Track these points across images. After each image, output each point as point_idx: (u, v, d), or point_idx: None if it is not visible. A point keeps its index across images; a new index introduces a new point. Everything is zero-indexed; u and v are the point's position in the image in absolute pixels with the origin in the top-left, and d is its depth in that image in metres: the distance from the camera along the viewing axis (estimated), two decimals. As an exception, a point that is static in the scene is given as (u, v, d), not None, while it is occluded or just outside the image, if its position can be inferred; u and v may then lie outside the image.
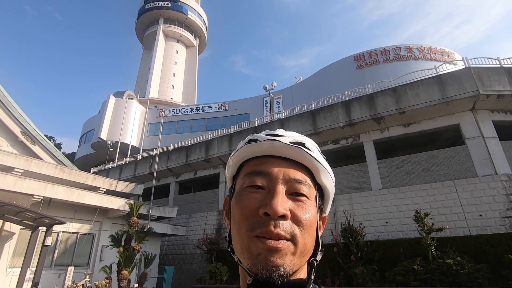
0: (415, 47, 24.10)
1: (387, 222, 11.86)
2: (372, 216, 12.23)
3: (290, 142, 0.54)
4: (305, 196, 0.52)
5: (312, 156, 0.54)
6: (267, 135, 0.56)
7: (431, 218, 10.03)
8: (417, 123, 13.01)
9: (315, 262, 0.53)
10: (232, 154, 0.59)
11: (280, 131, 0.57)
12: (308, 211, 0.51)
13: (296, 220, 0.49)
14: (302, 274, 0.51)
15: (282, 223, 0.47)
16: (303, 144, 0.55)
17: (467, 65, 12.38)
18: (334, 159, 15.44)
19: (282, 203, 0.48)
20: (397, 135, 13.44)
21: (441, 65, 14.72)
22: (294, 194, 0.51)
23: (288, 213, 0.48)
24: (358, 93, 15.14)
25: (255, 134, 0.57)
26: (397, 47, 24.27)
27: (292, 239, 0.47)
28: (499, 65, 12.34)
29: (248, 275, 0.47)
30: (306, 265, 0.52)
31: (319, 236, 0.54)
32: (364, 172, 13.63)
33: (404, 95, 12.84)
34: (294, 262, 0.47)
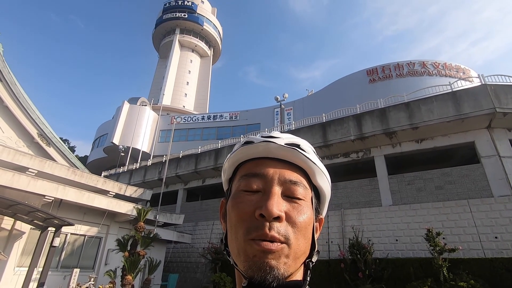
0: (429, 62, 23.88)
1: (397, 240, 11.52)
2: (382, 233, 11.91)
3: (285, 144, 0.54)
4: (301, 197, 0.52)
5: (307, 157, 0.54)
6: (262, 137, 0.56)
7: (444, 238, 9.69)
8: (430, 139, 12.75)
9: (311, 263, 0.52)
10: (228, 156, 0.59)
11: (275, 133, 0.57)
12: (304, 213, 0.50)
13: (291, 221, 0.49)
14: (298, 276, 0.50)
15: (276, 225, 0.47)
16: (298, 146, 0.55)
17: (483, 82, 12.15)
18: (344, 172, 15.23)
19: (277, 205, 0.48)
20: (409, 151, 13.20)
21: (456, 81, 14.52)
22: (290, 196, 0.51)
23: (283, 214, 0.48)
24: (370, 107, 15.02)
25: (250, 136, 0.58)
26: (411, 62, 24.11)
27: (287, 242, 0.47)
28: (516, 83, 12.06)
29: (243, 278, 0.47)
30: (302, 266, 0.51)
31: (315, 238, 0.54)
32: (374, 187, 13.37)
33: (417, 111, 12.66)
34: (289, 264, 0.47)
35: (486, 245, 9.99)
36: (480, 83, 12.31)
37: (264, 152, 0.55)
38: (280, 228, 0.47)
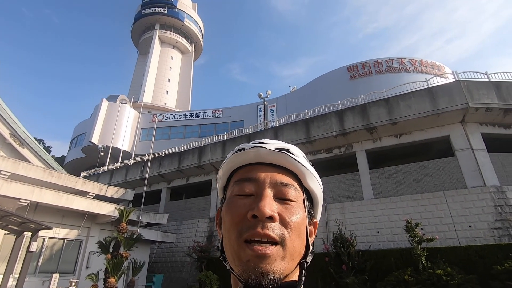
0: (407, 59, 24.65)
1: (378, 232, 11.89)
2: (364, 226, 12.25)
3: (275, 149, 0.56)
4: (292, 199, 0.53)
5: (297, 161, 0.56)
6: (253, 143, 0.58)
7: (422, 228, 10.09)
8: (409, 133, 13.20)
9: (305, 264, 0.53)
10: (221, 164, 0.60)
11: (266, 140, 0.59)
12: (296, 214, 0.52)
13: (284, 222, 0.50)
14: (293, 276, 0.51)
15: (270, 224, 0.48)
16: (287, 150, 0.57)
17: (457, 79, 12.69)
18: (327, 167, 15.50)
19: (270, 205, 0.49)
20: (389, 145, 13.61)
21: (432, 77, 15.09)
22: (282, 198, 0.52)
23: (276, 215, 0.49)
24: (351, 103, 15.34)
25: (243, 144, 0.60)
26: (389, 59, 24.78)
27: (281, 242, 0.48)
28: (487, 80, 12.69)
29: (239, 282, 0.47)
30: (297, 267, 0.52)
31: (309, 239, 0.55)
32: (356, 181, 13.71)
33: (396, 106, 13.05)
34: (284, 266, 0.47)
35: (461, 234, 10.51)
36: (454, 80, 12.85)
37: (255, 157, 0.56)
38: (274, 228, 0.48)
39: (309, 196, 0.59)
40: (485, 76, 12.93)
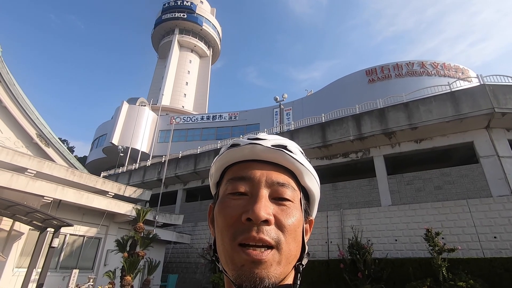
0: (428, 63, 23.93)
1: (396, 240, 11.53)
2: (381, 233, 11.91)
3: (271, 145, 0.53)
4: (289, 199, 0.51)
5: (295, 159, 0.53)
6: (248, 139, 0.55)
7: (443, 238, 9.70)
8: (429, 139, 12.77)
9: (301, 266, 0.51)
10: (214, 159, 0.58)
11: (261, 135, 0.56)
12: (292, 215, 0.49)
13: (280, 225, 0.48)
14: (289, 280, 0.50)
15: (265, 228, 0.46)
16: (285, 147, 0.54)
17: (482, 82, 12.17)
18: (343, 172, 15.24)
19: (265, 208, 0.47)
20: (408, 151, 13.21)
21: (454, 81, 14.54)
22: (278, 199, 0.50)
23: (272, 218, 0.47)
24: (369, 107, 15.03)
25: (237, 139, 0.57)
26: (410, 62, 24.14)
27: (277, 246, 0.46)
28: (515, 83, 12.09)
29: (233, 284, 0.46)
30: (293, 270, 0.51)
31: (305, 240, 0.53)
32: (373, 187, 13.38)
33: (416, 111, 12.68)
34: (280, 271, 0.46)
35: (485, 245, 10.01)
36: (478, 83, 12.34)
37: (250, 154, 0.54)
38: (269, 231, 0.46)
39: (305, 193, 0.56)
40: (513, 80, 12.33)
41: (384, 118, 13.33)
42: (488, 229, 10.18)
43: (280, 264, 0.46)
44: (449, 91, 12.81)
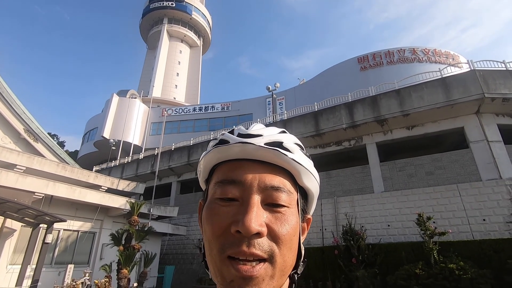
0: (419, 49, 23.95)
1: (389, 225, 11.75)
2: (374, 219, 12.13)
3: (264, 144, 0.47)
4: (284, 205, 0.46)
5: (291, 158, 0.47)
6: (239, 134, 0.49)
7: (434, 222, 9.92)
8: (421, 125, 12.90)
9: (296, 276, 0.47)
10: (202, 156, 0.52)
11: (254, 129, 0.51)
12: (288, 223, 0.45)
13: (274, 235, 0.43)
14: None
15: (257, 241, 0.42)
16: (280, 144, 0.48)
17: (472, 68, 12.26)
18: (336, 160, 15.35)
19: (257, 218, 0.42)
20: (400, 138, 13.34)
21: (445, 67, 14.61)
22: (271, 205, 0.45)
23: (264, 229, 0.42)
24: (361, 95, 15.05)
25: (226, 133, 0.51)
26: (401, 49, 24.13)
27: (270, 259, 0.42)
28: (504, 68, 12.21)
29: None
30: (287, 280, 0.47)
31: (301, 240, 0.49)
32: (366, 175, 13.54)
33: (408, 98, 12.74)
34: (273, 285, 0.42)
35: (475, 227, 10.28)
36: (469, 69, 12.42)
37: (240, 154, 0.48)
38: (262, 244, 0.42)
39: (303, 193, 0.52)
40: (503, 65, 12.43)
41: (376, 106, 13.38)
42: (477, 212, 10.44)
43: (273, 278, 0.42)
44: (440, 77, 12.87)
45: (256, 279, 0.40)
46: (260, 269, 0.41)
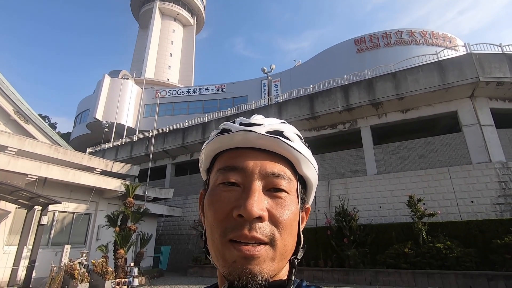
0: (417, 31, 23.64)
1: (380, 207, 12.04)
2: (366, 201, 12.40)
3: (266, 132, 0.48)
4: (285, 191, 0.47)
5: (291, 146, 0.49)
6: (241, 123, 0.51)
7: (424, 204, 10.19)
8: (415, 109, 12.95)
9: (296, 261, 0.48)
10: (204, 145, 0.53)
11: (256, 119, 0.52)
12: (288, 209, 0.46)
13: (274, 220, 0.44)
14: (283, 275, 0.47)
15: (258, 225, 0.43)
16: (281, 133, 0.49)
17: (469, 51, 12.19)
18: (331, 143, 15.45)
19: (258, 203, 0.43)
20: (394, 121, 13.42)
21: (442, 50, 14.51)
22: (273, 190, 0.47)
23: (265, 213, 0.44)
24: (357, 78, 14.96)
25: (228, 122, 0.52)
26: (398, 31, 23.79)
27: (271, 242, 0.43)
28: (500, 52, 12.17)
29: (224, 279, 0.44)
30: (287, 264, 0.48)
31: (301, 229, 0.50)
32: (360, 157, 13.70)
33: (403, 81, 12.70)
34: (274, 267, 0.43)
35: (463, 209, 10.60)
36: (465, 52, 12.35)
37: (242, 142, 0.49)
38: (263, 228, 0.43)
39: (302, 182, 0.53)
40: (499, 48, 12.38)
41: (372, 89, 13.33)
42: (466, 194, 10.73)
43: (274, 260, 0.43)
44: (436, 60, 12.80)
45: (258, 259, 0.42)
46: (262, 250, 0.42)
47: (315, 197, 13.53)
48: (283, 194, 0.47)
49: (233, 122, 0.52)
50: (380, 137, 14.72)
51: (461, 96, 12.03)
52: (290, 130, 0.51)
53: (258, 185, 0.46)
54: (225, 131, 0.50)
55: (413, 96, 12.40)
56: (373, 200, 12.29)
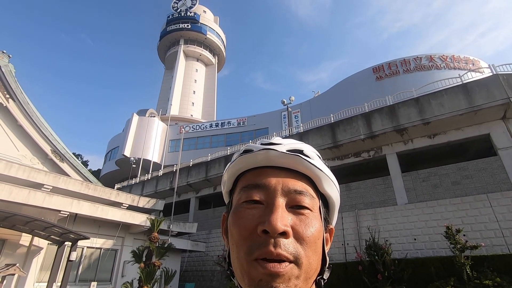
0: (436, 56, 23.47)
1: (415, 239, 11.21)
2: (399, 232, 11.61)
3: (286, 150, 0.50)
4: (308, 208, 0.47)
5: (312, 164, 0.49)
6: (262, 144, 0.52)
7: (464, 235, 9.36)
8: (443, 133, 12.45)
9: (322, 281, 0.47)
10: (227, 167, 0.54)
11: (276, 139, 0.53)
12: (312, 225, 0.46)
13: (298, 237, 0.44)
14: None
15: (283, 241, 0.43)
16: (301, 152, 0.50)
17: (495, 72, 11.84)
18: (356, 172, 14.99)
19: (282, 219, 0.44)
20: (422, 147, 12.90)
21: (465, 73, 14.19)
22: (295, 207, 0.47)
23: (289, 229, 0.44)
24: (378, 105, 14.81)
25: (249, 144, 0.54)
26: (417, 57, 23.75)
27: (296, 261, 0.42)
28: (530, 71, 11.70)
29: None
30: (313, 285, 0.47)
31: (326, 251, 0.49)
32: (388, 186, 13.10)
33: (427, 105, 12.40)
34: (300, 286, 0.42)
35: (510, 240, 9.61)
36: (491, 74, 11.99)
37: (264, 161, 0.50)
38: (287, 245, 0.43)
39: (324, 201, 0.53)
40: (527, 67, 11.93)
41: (394, 115, 13.09)
42: (512, 223, 9.78)
43: (299, 279, 0.42)
44: (461, 83, 12.50)
45: (283, 277, 0.41)
46: (287, 267, 0.42)
47: (342, 229, 12.90)
48: (306, 211, 0.47)
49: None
50: (408, 164, 14.12)
51: (493, 118, 11.48)
52: (309, 149, 0.52)
53: (281, 201, 0.46)
54: (247, 151, 0.52)
55: (440, 121, 11.99)
56: (406, 231, 11.49)
